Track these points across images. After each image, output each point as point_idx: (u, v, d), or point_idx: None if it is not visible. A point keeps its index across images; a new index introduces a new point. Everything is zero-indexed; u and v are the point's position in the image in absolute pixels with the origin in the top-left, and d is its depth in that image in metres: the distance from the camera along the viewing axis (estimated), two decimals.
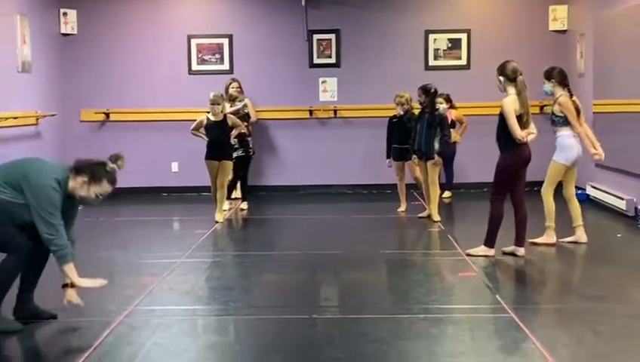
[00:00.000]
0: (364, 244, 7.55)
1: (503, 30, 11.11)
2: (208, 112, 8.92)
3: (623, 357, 4.24)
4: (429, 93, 8.50)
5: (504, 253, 6.70)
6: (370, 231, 8.47)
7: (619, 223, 8.35)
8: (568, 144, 7.07)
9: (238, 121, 9.17)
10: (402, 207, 9.37)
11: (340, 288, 6.14)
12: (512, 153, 6.53)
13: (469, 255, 6.65)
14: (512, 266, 6.55)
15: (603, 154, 7.17)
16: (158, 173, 11.27)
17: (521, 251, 6.67)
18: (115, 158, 4.90)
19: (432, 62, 11.09)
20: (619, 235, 7.81)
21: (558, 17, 11.02)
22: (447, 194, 10.34)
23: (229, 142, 8.97)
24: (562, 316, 5.01)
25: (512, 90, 6.50)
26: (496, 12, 11.16)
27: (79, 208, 5.02)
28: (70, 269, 4.71)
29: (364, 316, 5.04)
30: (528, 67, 10.95)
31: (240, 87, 10.20)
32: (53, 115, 10.51)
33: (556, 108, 7.10)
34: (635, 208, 8.32)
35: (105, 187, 4.81)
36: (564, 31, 11.02)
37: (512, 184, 6.65)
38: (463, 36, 11.10)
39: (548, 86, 7.18)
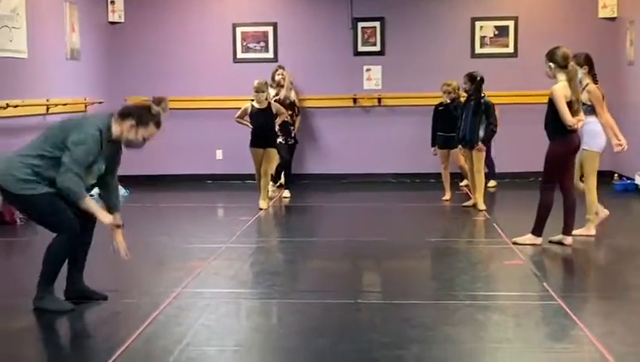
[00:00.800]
0: (408, 232, 7.54)
1: (551, 17, 10.94)
2: (252, 100, 8.98)
3: None
4: (474, 81, 8.42)
5: (551, 242, 6.62)
6: (414, 219, 8.45)
7: None
8: (598, 131, 6.93)
9: (282, 108, 9.21)
10: (447, 196, 9.32)
11: (383, 274, 6.14)
12: (562, 141, 6.44)
13: (515, 243, 6.58)
14: (559, 255, 6.48)
15: (626, 145, 7.00)
16: (202, 160, 11.38)
17: (568, 240, 6.58)
18: (159, 101, 4.89)
19: (478, 50, 10.99)
20: None
21: (608, 4, 10.82)
22: (492, 183, 10.25)
23: (273, 130, 9.01)
24: (611, 304, 4.94)
25: (562, 76, 6.40)
26: None
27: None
28: (91, 203, 4.75)
29: (408, 302, 5.03)
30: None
31: (272, 80, 10.19)
32: (100, 103, 10.66)
33: (584, 96, 6.91)
34: None
35: (151, 129, 4.83)
36: (614, 18, 10.82)
37: (562, 172, 6.57)
38: (510, 24, 10.97)
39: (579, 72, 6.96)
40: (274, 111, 8.94)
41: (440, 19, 11.05)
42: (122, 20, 11.27)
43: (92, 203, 4.78)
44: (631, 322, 4.53)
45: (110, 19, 11.21)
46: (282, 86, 9.98)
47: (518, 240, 6.62)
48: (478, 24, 11.02)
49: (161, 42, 11.31)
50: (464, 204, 8.89)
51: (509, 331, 4.49)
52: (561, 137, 6.43)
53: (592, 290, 5.33)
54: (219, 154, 11.44)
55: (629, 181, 9.98)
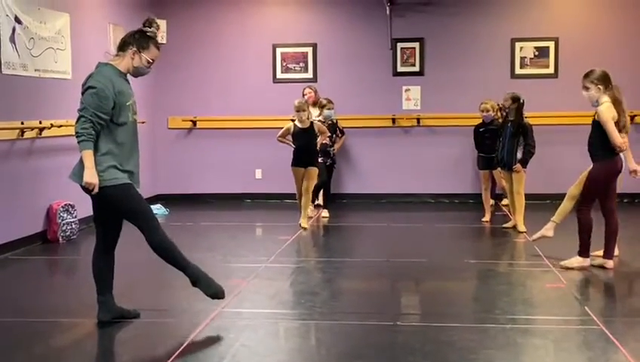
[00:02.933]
0: (447, 253, 7.49)
1: (594, 39, 10.84)
2: (293, 119, 9.04)
3: None
4: (517, 101, 8.36)
5: (592, 266, 6.54)
6: (454, 240, 8.40)
7: None
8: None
9: (324, 128, 9.26)
10: (486, 217, 9.25)
11: (423, 296, 6.11)
12: (607, 162, 6.38)
13: (563, 267, 6.48)
14: (601, 278, 6.39)
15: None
16: (242, 179, 11.46)
17: (610, 264, 6.49)
18: (149, 23, 4.96)
19: (518, 71, 10.94)
20: None
21: None
22: (505, 202, 10.09)
23: (315, 149, 9.05)
24: None
25: (604, 97, 6.34)
26: (586, 21, 10.90)
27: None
28: (87, 156, 4.76)
29: (448, 324, 5.00)
30: (619, 75, 10.71)
31: (315, 94, 10.25)
32: (143, 123, 10.80)
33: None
34: None
35: (153, 51, 4.88)
36: None
37: (604, 194, 6.49)
38: (551, 44, 10.90)
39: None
40: (316, 131, 9.00)
41: (479, 40, 11.03)
42: (165, 41, 11.43)
43: (89, 158, 4.74)
44: None
45: None
46: (323, 107, 10.00)
47: (567, 263, 6.53)
48: (518, 45, 10.97)
49: (203, 62, 11.46)
50: (504, 225, 8.82)
51: (551, 356, 4.44)
52: (606, 159, 6.36)
53: (635, 315, 5.24)
54: (258, 173, 11.51)
55: None
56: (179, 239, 8.44)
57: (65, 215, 8.21)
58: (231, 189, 11.43)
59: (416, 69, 11.17)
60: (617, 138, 6.25)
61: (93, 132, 4.70)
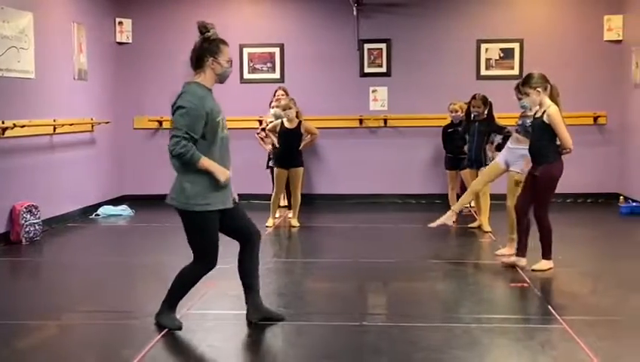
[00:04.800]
0: (414, 254, 7.53)
1: (556, 40, 10.99)
2: (260, 120, 9.02)
3: None
4: (486, 102, 8.42)
5: (504, 265, 6.69)
6: (420, 240, 8.45)
7: None
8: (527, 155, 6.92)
9: (314, 128, 9.21)
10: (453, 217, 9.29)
11: (390, 296, 6.14)
12: (557, 164, 6.46)
13: (534, 270, 6.53)
14: (563, 278, 6.47)
15: None
16: None
17: (522, 261, 6.61)
18: (205, 27, 4.92)
19: (483, 72, 11.03)
20: None
21: (613, 27, 10.86)
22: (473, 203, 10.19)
23: (299, 150, 8.98)
24: (616, 327, 4.93)
25: (546, 99, 6.42)
26: (550, 22, 11.04)
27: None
28: (206, 162, 4.71)
29: (414, 324, 5.03)
30: (583, 77, 10.95)
31: (287, 95, 10.25)
32: (107, 123, 10.72)
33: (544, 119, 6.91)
34: None
35: (225, 51, 4.84)
36: (620, 41, 10.86)
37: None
38: (516, 46, 11.02)
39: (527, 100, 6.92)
40: (302, 131, 8.94)
41: (446, 42, 11.11)
42: (130, 41, 11.35)
43: (208, 161, 4.71)
44: (636, 345, 4.52)
45: (118, 40, 11.30)
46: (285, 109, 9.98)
47: (537, 267, 6.57)
48: (483, 46, 11.07)
49: (169, 62, 11.37)
50: (470, 225, 8.89)
51: (514, 355, 4.48)
52: (556, 160, 6.44)
53: (597, 314, 5.31)
54: None
55: (634, 204, 9.97)
56: (144, 241, 8.45)
57: (28, 216, 8.11)
58: None
59: (383, 70, 11.21)
60: (569, 139, 6.35)
61: (191, 144, 4.66)
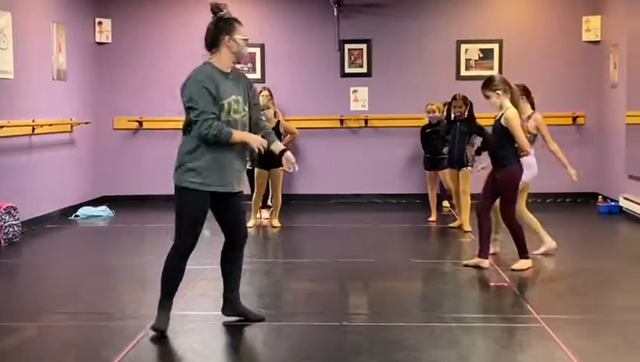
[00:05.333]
0: (394, 253, 7.56)
1: (535, 41, 11.07)
2: None
3: None
4: (467, 102, 8.46)
5: (466, 266, 6.70)
6: (401, 240, 8.48)
7: None
8: (533, 163, 6.99)
9: (293, 128, 9.21)
10: (433, 217, 9.36)
11: (370, 296, 6.15)
12: (516, 166, 6.54)
13: (514, 270, 6.58)
14: (543, 277, 6.53)
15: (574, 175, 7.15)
16: None
17: (485, 263, 6.65)
18: (217, 7, 4.88)
19: (463, 73, 11.08)
20: None
21: (592, 28, 10.96)
22: (446, 204, 10.27)
23: None
24: (594, 326, 4.97)
25: (507, 101, 6.47)
26: (529, 22, 11.12)
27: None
28: (237, 133, 4.68)
29: (395, 324, 5.05)
30: (561, 78, 11.04)
31: (271, 96, 10.25)
32: (87, 123, 10.66)
33: (531, 125, 6.99)
34: None
35: (240, 29, 4.76)
36: (598, 42, 10.96)
37: (495, 196, 6.63)
38: (495, 46, 11.08)
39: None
40: (281, 131, 8.94)
41: (426, 42, 11.15)
42: (109, 41, 11.30)
43: (237, 132, 4.67)
44: (614, 344, 4.56)
45: (97, 40, 11.24)
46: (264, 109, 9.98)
47: (516, 267, 6.61)
48: (463, 47, 11.12)
49: (149, 62, 11.34)
50: (450, 225, 8.94)
51: (494, 354, 4.51)
52: (516, 162, 6.52)
53: (576, 313, 5.36)
54: None
55: (613, 203, 10.07)
56: (124, 241, 8.41)
57: (7, 217, 8.04)
58: None
59: (364, 70, 11.24)
60: (526, 142, 6.43)
61: (218, 122, 4.59)
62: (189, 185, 4.69)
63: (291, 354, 4.52)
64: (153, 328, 4.72)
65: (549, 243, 7.13)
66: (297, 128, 10.85)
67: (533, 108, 7.09)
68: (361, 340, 4.74)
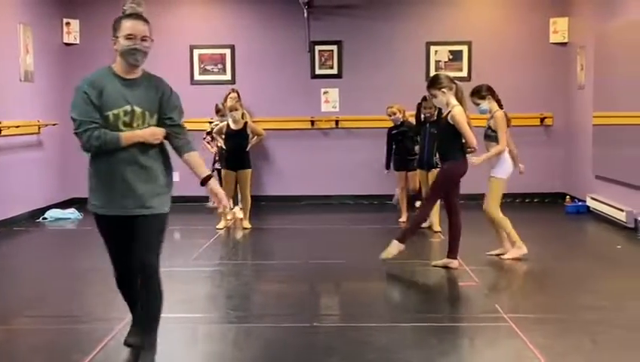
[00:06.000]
0: (365, 254, 7.57)
1: (503, 42, 11.17)
2: (211, 121, 8.97)
3: None
4: None
5: (435, 266, 6.75)
6: (372, 241, 8.48)
7: (619, 235, 8.37)
8: (505, 158, 7.07)
9: (260, 129, 9.21)
10: (403, 218, 9.40)
11: (341, 297, 6.16)
12: (459, 162, 6.63)
13: (436, 266, 6.69)
14: (512, 276, 6.59)
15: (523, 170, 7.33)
16: None
17: (455, 263, 6.71)
18: (125, 2, 4.19)
19: (433, 74, 11.11)
20: (619, 247, 7.83)
21: (559, 30, 11.08)
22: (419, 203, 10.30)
23: (246, 151, 8.94)
24: (561, 325, 5.02)
25: (452, 99, 6.55)
26: (497, 24, 11.22)
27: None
28: (126, 133, 3.98)
29: (365, 324, 5.06)
30: (530, 79, 11.15)
31: (239, 98, 10.25)
32: (54, 125, 10.55)
33: (492, 123, 7.08)
34: (635, 220, 8.35)
35: (124, 24, 4.04)
36: (565, 43, 11.08)
37: (452, 194, 6.69)
38: (464, 48, 11.16)
39: (485, 104, 7.10)
40: (249, 133, 8.92)
41: (396, 44, 11.20)
42: (77, 42, 11.20)
43: (127, 133, 3.96)
44: (580, 343, 4.61)
45: (65, 41, 11.13)
46: (234, 110, 9.95)
47: (440, 263, 6.73)
48: (433, 48, 11.19)
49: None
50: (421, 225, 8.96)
51: (463, 353, 4.55)
52: (459, 158, 6.60)
53: (542, 311, 5.41)
54: (175, 176, 11.32)
55: (580, 203, 10.18)
56: (92, 244, 8.30)
57: None
58: None
59: (335, 71, 11.26)
60: (473, 138, 6.51)
61: (100, 130, 3.92)
62: (91, 209, 4.15)
63: (261, 355, 4.51)
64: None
65: (522, 248, 7.15)
66: (268, 130, 10.87)
67: (500, 106, 7.15)
68: (332, 341, 4.74)
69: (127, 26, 4.05)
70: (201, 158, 4.24)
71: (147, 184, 4.08)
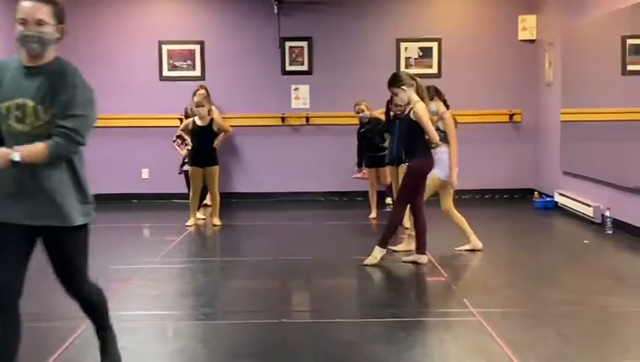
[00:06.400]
0: (335, 250, 7.57)
1: (473, 39, 11.22)
2: (181, 118, 8.93)
3: (587, 358, 4.30)
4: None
5: (404, 262, 6.77)
6: (342, 237, 8.50)
7: (586, 230, 8.46)
8: (446, 160, 7.13)
9: (227, 125, 9.17)
10: (373, 214, 9.41)
11: (310, 293, 6.16)
12: (425, 159, 6.66)
13: (405, 262, 6.71)
14: (480, 271, 6.63)
15: (455, 184, 7.16)
16: (128, 179, 11.22)
17: (423, 259, 6.74)
18: None
19: (403, 70, 11.14)
20: (586, 241, 7.91)
21: (527, 27, 11.16)
22: (389, 201, 10.35)
23: (213, 148, 8.89)
24: (528, 319, 5.06)
25: (414, 95, 6.59)
26: (467, 21, 11.27)
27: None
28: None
29: (334, 320, 5.05)
30: (499, 76, 11.22)
31: (207, 94, 10.20)
32: None
33: (441, 124, 7.12)
34: (602, 215, 8.44)
35: (19, 7, 3.41)
36: (533, 40, 11.16)
37: (418, 191, 6.72)
38: (434, 45, 11.20)
39: (433, 105, 7.15)
40: (215, 129, 8.87)
41: (366, 40, 11.21)
42: None
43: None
44: (548, 336, 4.65)
45: None
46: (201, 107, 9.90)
47: (410, 259, 6.76)
48: (403, 45, 11.21)
49: (85, 59, 11.08)
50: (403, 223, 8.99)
51: (431, 348, 4.56)
52: (424, 155, 6.64)
53: (510, 305, 5.44)
54: (145, 173, 11.30)
55: (548, 199, 10.27)
56: None
57: None
58: (116, 190, 11.15)
59: (305, 68, 11.24)
60: (436, 134, 6.57)
61: None
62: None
63: (230, 352, 4.48)
64: None
65: (475, 242, 7.21)
66: (238, 126, 10.86)
67: (446, 106, 7.21)
68: (301, 337, 4.73)
69: (20, 8, 3.43)
70: (42, 153, 3.38)
71: (17, 191, 3.50)
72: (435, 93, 7.15)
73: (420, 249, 6.73)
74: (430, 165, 6.70)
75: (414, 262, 6.70)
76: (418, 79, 6.76)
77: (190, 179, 8.93)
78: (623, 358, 4.29)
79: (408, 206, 6.85)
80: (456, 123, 7.20)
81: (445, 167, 7.06)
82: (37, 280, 5.23)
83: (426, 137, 6.56)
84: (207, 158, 8.83)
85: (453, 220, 7.21)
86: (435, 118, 7.02)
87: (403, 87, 6.60)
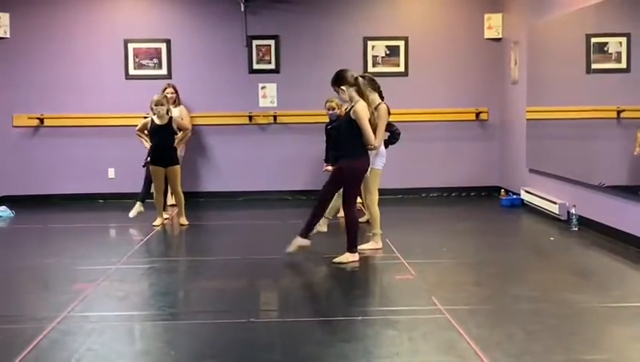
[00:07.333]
0: (303, 250, 7.54)
1: (439, 38, 11.28)
2: (146, 117, 8.84)
3: (553, 355, 4.33)
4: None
5: (333, 263, 6.76)
6: (310, 236, 8.46)
7: (552, 227, 8.54)
8: (382, 151, 7.22)
9: (185, 123, 9.11)
10: (341, 212, 9.39)
11: (278, 292, 6.13)
12: (362, 159, 6.70)
13: (335, 263, 6.71)
14: (448, 269, 6.65)
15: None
16: (94, 179, 11.10)
17: (355, 257, 6.79)
18: None
19: (370, 69, 11.17)
20: (552, 239, 7.98)
21: (493, 25, 11.24)
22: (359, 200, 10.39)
23: (173, 147, 8.83)
24: (495, 316, 5.10)
25: (354, 94, 6.62)
26: (433, 20, 11.32)
27: None
28: None
29: (302, 319, 5.05)
30: (465, 74, 11.29)
31: (176, 93, 10.15)
32: None
33: (376, 115, 7.17)
34: (568, 212, 8.53)
35: None
36: (499, 39, 11.25)
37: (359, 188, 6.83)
38: (401, 43, 11.23)
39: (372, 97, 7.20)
40: (175, 128, 8.80)
41: (333, 39, 11.20)
42: (7, 35, 10.89)
43: None
44: (515, 333, 4.68)
45: None
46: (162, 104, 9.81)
47: (339, 260, 6.75)
48: (370, 43, 11.23)
49: (50, 58, 10.99)
50: (360, 220, 8.98)
51: (399, 345, 4.56)
52: (362, 155, 6.68)
53: (477, 303, 5.48)
54: (111, 172, 11.18)
55: (515, 196, 10.36)
56: (25, 242, 8.12)
57: None
58: (82, 189, 11.03)
59: (272, 66, 11.20)
60: (372, 136, 6.59)
61: None
62: None
63: (198, 352, 4.45)
64: None
65: (378, 243, 7.28)
66: (205, 125, 10.81)
67: (381, 98, 7.25)
68: (269, 336, 4.71)
69: None
70: None
71: None
72: (370, 84, 7.11)
73: (304, 233, 6.84)
74: (365, 164, 6.74)
75: (298, 246, 6.79)
76: (361, 79, 6.72)
77: (152, 178, 8.86)
78: (589, 354, 4.33)
79: (356, 203, 6.89)
80: (389, 113, 7.25)
81: (382, 157, 7.17)
82: (5, 282, 5.17)
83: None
84: (167, 158, 8.76)
85: (370, 212, 7.31)
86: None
87: (343, 86, 6.61)
